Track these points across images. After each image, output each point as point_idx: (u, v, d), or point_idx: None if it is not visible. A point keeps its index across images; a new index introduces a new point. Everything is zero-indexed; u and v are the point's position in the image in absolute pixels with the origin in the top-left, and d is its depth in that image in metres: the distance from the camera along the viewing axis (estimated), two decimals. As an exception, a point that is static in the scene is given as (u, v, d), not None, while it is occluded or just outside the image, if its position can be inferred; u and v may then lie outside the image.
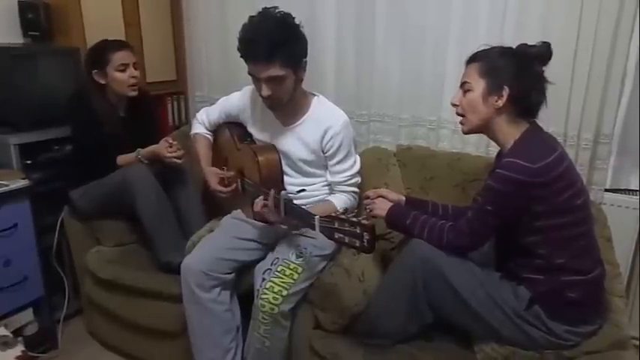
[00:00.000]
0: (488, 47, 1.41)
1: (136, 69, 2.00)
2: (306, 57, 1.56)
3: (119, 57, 1.94)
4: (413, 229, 1.44)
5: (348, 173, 1.69)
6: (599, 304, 1.41)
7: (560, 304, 1.34)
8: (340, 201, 1.67)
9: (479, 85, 1.38)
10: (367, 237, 1.19)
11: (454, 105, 1.45)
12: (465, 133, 1.47)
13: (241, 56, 1.51)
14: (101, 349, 2.09)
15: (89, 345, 2.11)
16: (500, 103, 1.35)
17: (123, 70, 1.95)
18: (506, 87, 1.34)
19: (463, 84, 1.42)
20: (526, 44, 1.39)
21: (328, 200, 1.67)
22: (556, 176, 1.27)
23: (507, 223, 1.33)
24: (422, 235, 1.41)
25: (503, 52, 1.38)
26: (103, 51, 1.95)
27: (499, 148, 1.50)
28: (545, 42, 1.37)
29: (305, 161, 1.67)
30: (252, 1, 1.95)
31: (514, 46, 1.39)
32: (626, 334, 1.42)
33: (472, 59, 1.42)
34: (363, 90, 2.25)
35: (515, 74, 1.34)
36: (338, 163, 1.67)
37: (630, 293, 1.97)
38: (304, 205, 1.53)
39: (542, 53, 1.36)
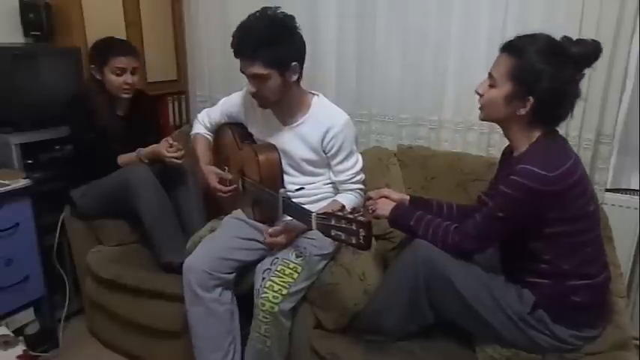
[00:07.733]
0: (529, 36, 1.26)
1: (134, 74, 1.99)
2: (297, 61, 1.53)
3: (117, 62, 1.94)
4: (417, 229, 1.42)
5: (352, 171, 1.68)
6: (604, 308, 1.39)
7: (565, 308, 1.32)
8: (347, 200, 1.65)
9: (504, 86, 1.28)
10: (363, 234, 1.18)
11: (478, 93, 1.36)
12: (481, 120, 1.41)
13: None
14: (102, 349, 2.09)
15: (90, 344, 2.11)
16: (523, 111, 1.27)
17: (119, 75, 1.95)
18: (531, 98, 1.25)
19: (491, 75, 1.32)
20: (570, 40, 1.25)
21: (335, 200, 1.66)
22: (572, 184, 1.23)
23: (517, 229, 1.29)
24: (426, 235, 1.39)
25: (542, 51, 1.23)
26: (104, 51, 1.95)
27: (502, 148, 1.49)
28: (594, 40, 1.24)
29: (307, 161, 1.67)
30: (253, 1, 1.95)
31: (559, 38, 1.25)
32: (627, 334, 1.41)
33: (507, 49, 1.29)
34: (363, 90, 2.25)
35: (547, 85, 1.22)
36: (340, 162, 1.66)
37: (631, 293, 1.97)
38: (304, 204, 1.53)
39: (587, 54, 1.23)
